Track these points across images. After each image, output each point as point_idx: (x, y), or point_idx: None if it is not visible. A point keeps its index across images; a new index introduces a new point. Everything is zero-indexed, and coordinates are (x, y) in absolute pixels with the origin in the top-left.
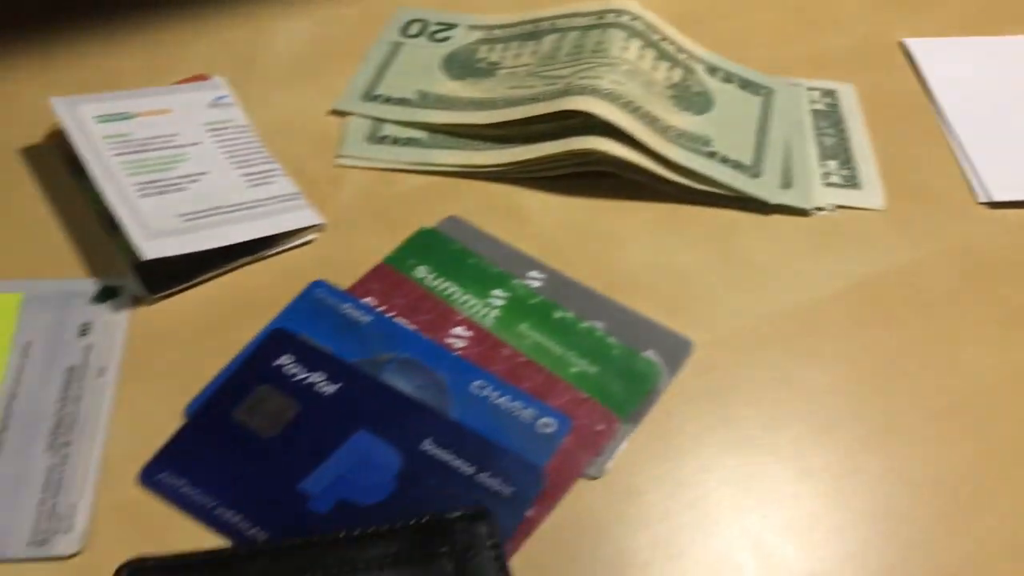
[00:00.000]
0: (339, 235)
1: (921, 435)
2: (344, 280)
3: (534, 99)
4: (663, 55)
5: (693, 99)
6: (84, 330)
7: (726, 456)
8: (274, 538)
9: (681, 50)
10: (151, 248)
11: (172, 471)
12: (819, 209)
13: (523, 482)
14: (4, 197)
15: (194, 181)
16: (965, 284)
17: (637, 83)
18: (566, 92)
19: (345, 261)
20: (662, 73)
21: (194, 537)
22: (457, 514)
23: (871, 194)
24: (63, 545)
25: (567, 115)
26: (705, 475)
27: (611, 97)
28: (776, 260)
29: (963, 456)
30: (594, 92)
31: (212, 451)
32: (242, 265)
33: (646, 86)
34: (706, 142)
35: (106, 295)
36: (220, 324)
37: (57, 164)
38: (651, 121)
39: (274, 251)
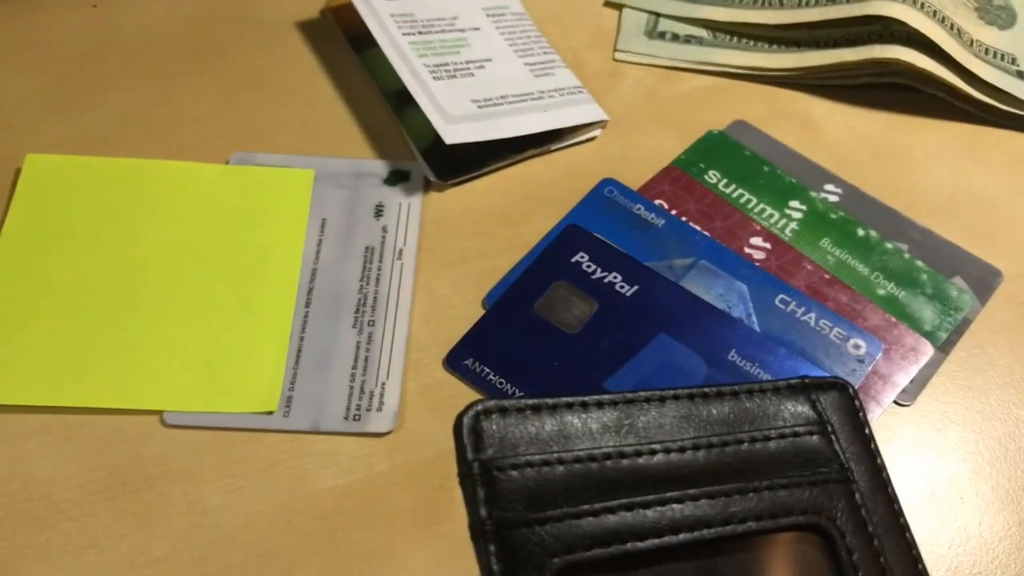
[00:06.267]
0: (620, 133)
1: None
2: (628, 180)
3: (830, 1)
4: None
5: (996, 12)
6: (379, 211)
7: None
8: (629, 392)
9: None
10: (451, 133)
11: (477, 357)
12: None
13: None
14: (289, 73)
15: (480, 67)
16: None
17: None
18: None
19: (628, 160)
20: None
21: None
22: (821, 379)
23: None
24: (376, 423)
25: (864, 21)
26: (1018, 410)
27: (918, 4)
28: None
29: None
30: None
31: (516, 341)
32: (528, 158)
33: None
34: (1012, 60)
35: (397, 178)
36: (508, 216)
37: (332, 40)
38: (958, 33)
39: (559, 145)
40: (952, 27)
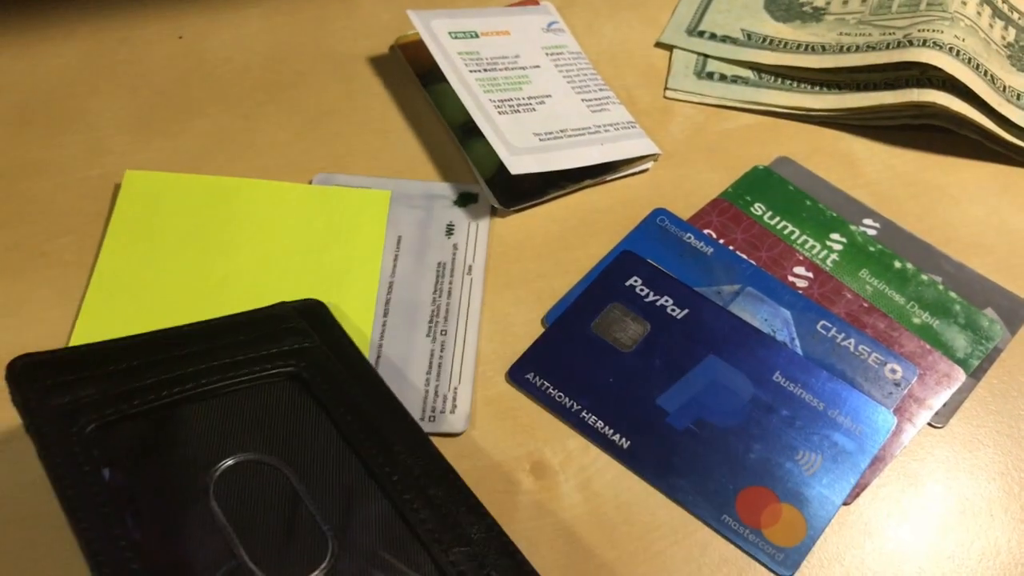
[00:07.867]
0: (671, 166)
1: None
2: (678, 210)
3: (871, 47)
4: (998, 13)
5: None
6: (450, 230)
7: None
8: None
9: (1014, 8)
10: (516, 164)
11: (538, 372)
12: None
13: (873, 423)
14: (362, 104)
15: (541, 103)
16: None
17: (976, 39)
18: (907, 43)
19: (679, 192)
20: (998, 32)
21: (558, 433)
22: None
23: None
24: (451, 423)
25: (903, 66)
26: None
27: (954, 52)
28: None
29: None
30: (936, 46)
31: (574, 358)
32: (585, 187)
33: (984, 43)
34: None
35: (466, 200)
36: (567, 241)
37: (401, 74)
38: (991, 80)
39: (613, 176)
40: (986, 73)
